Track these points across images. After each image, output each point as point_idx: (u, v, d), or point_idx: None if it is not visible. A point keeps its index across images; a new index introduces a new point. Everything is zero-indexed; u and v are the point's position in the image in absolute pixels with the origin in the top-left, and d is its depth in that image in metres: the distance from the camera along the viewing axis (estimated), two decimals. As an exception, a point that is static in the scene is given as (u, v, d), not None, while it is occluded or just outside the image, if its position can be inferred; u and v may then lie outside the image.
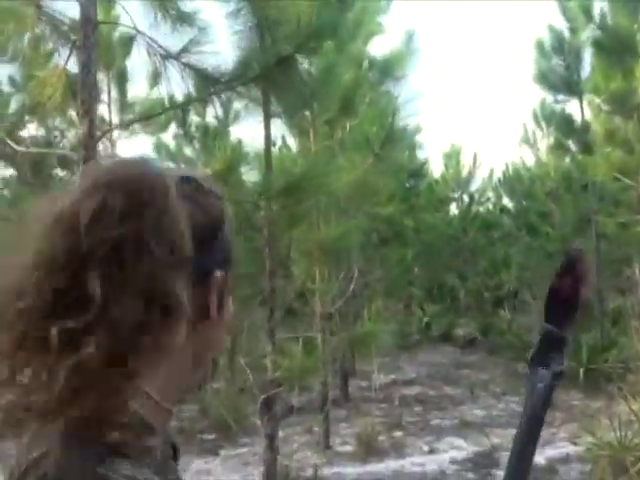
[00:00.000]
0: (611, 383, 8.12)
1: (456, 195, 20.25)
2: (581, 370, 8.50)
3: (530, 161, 17.67)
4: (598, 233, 10.73)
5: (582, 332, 9.83)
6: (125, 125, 9.03)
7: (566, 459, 5.71)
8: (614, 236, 10.57)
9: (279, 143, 9.32)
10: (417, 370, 11.19)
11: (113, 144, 9.12)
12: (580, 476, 5.24)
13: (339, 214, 5.82)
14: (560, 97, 10.92)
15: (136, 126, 9.22)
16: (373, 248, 17.39)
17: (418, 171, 18.40)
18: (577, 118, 11.29)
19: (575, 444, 6.13)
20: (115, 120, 9.08)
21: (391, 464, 5.96)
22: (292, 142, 7.99)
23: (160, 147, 9.39)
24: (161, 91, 5.53)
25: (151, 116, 8.40)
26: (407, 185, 17.49)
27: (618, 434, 5.11)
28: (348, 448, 6.38)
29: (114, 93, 8.92)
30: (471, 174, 20.24)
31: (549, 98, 12.01)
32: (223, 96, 5.20)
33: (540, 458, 5.70)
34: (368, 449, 6.18)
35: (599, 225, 10.19)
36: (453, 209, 20.63)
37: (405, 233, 16.67)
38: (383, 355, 12.28)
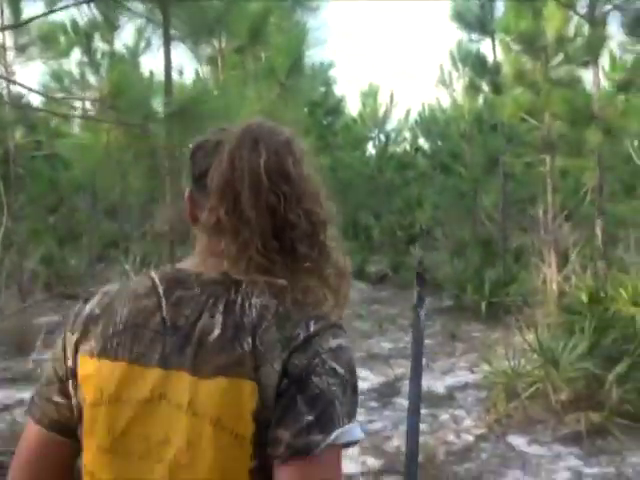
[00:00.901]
0: (510, 315, 8.54)
1: (373, 134, 20.32)
2: (483, 303, 8.89)
3: (446, 102, 17.80)
4: (505, 173, 11.06)
5: (486, 268, 10.24)
6: (20, 49, 8.42)
7: (464, 387, 5.97)
8: (520, 176, 10.93)
9: (191, 75, 8.97)
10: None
11: (8, 68, 8.51)
12: (476, 402, 5.50)
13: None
14: (474, 36, 11.00)
15: (33, 50, 8.62)
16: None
17: (335, 108, 18.27)
18: (490, 58, 11.45)
19: (473, 372, 6.42)
20: (9, 43, 8.47)
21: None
22: (203, 72, 7.66)
23: (60, 74, 8.82)
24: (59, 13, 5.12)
25: (48, 40, 7.86)
26: (324, 122, 17.38)
27: (512, 363, 5.38)
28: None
29: (7, 13, 8.27)
30: (388, 114, 20.31)
31: (465, 37, 12.08)
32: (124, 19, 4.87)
33: (440, 386, 5.96)
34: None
35: (506, 165, 10.49)
36: (370, 148, 20.74)
37: (321, 171, 16.59)
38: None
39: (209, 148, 1.03)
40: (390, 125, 20.13)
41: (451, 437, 4.70)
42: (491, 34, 10.54)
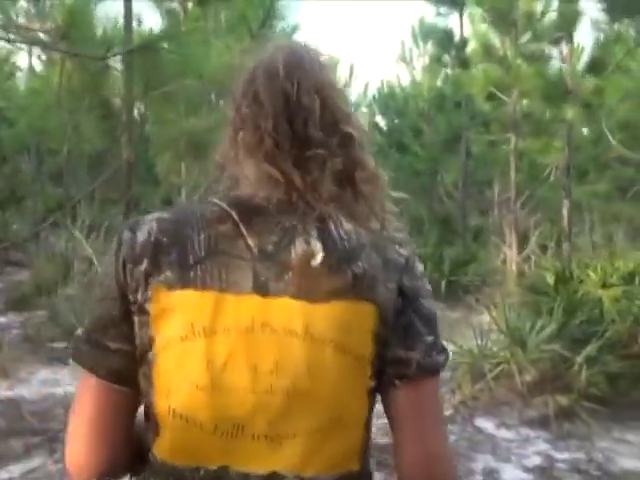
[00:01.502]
0: (469, 295, 8.46)
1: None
2: (443, 282, 8.78)
3: (405, 80, 17.62)
4: (468, 152, 10.96)
5: (444, 246, 10.14)
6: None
7: (427, 366, 5.81)
8: (481, 155, 10.84)
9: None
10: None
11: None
12: (440, 383, 5.35)
13: (210, 106, 5.30)
14: (443, 10, 10.77)
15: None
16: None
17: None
18: (456, 33, 11.25)
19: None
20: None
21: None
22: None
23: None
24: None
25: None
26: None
27: (478, 342, 5.24)
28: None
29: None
30: (347, 87, 19.96)
31: (431, 11, 11.87)
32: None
33: (402, 365, 5.79)
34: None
35: (469, 143, 10.37)
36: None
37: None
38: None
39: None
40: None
41: (417, 419, 4.53)
42: (460, 7, 10.33)
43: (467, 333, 5.88)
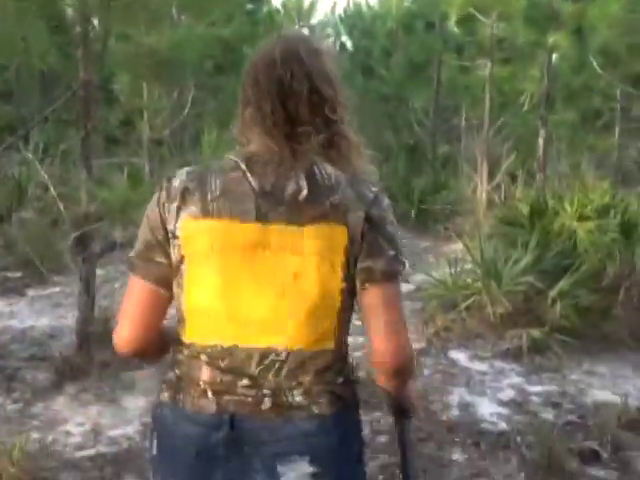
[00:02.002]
0: (439, 224, 8.39)
1: (296, 27, 19.15)
2: (412, 211, 8.66)
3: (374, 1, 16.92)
4: (439, 77, 10.63)
5: (413, 175, 9.97)
6: None
7: (398, 297, 5.74)
8: (452, 81, 10.54)
9: None
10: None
11: None
12: (412, 314, 5.28)
13: (172, 22, 4.90)
14: None
15: None
16: (208, 76, 16.16)
17: (258, -5, 16.96)
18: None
19: (407, 282, 6.20)
20: None
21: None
22: None
23: None
24: None
25: None
26: (247, 9, 16.11)
27: (451, 272, 5.16)
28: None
29: None
30: (314, 5, 19.14)
31: None
32: None
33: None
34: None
35: (442, 67, 10.05)
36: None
37: (243, 63, 15.54)
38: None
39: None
40: (315, 18, 19.08)
41: (391, 352, 4.46)
42: None
43: (437, 262, 5.81)
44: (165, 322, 1.29)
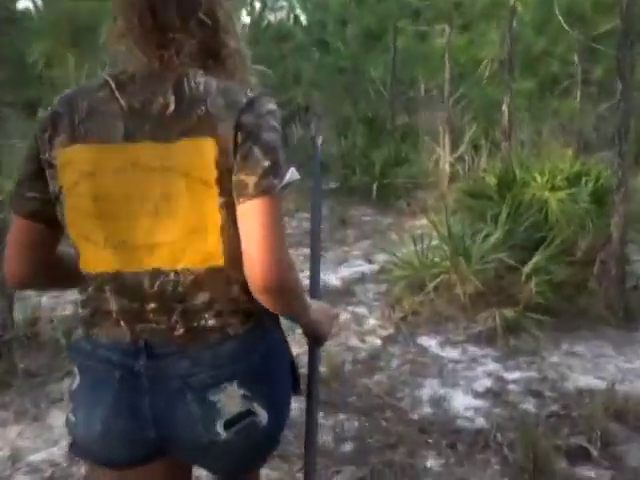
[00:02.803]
0: (401, 199, 8.02)
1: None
2: (374, 186, 8.26)
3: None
4: (395, 46, 10.20)
5: (373, 148, 9.55)
6: None
7: (362, 279, 5.38)
8: (409, 49, 10.13)
9: None
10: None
11: None
12: (377, 297, 4.93)
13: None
14: None
15: None
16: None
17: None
18: None
19: (370, 262, 5.83)
20: None
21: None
22: None
23: None
24: None
25: None
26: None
27: (417, 251, 4.80)
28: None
29: None
30: (265, -23, 18.43)
31: None
32: None
33: (335, 279, 5.32)
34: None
35: (398, 35, 9.61)
36: (243, 16, 18.93)
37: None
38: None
39: None
40: (267, -10, 18.36)
41: (355, 341, 4.09)
42: None
43: (401, 240, 5.44)
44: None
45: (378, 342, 4.09)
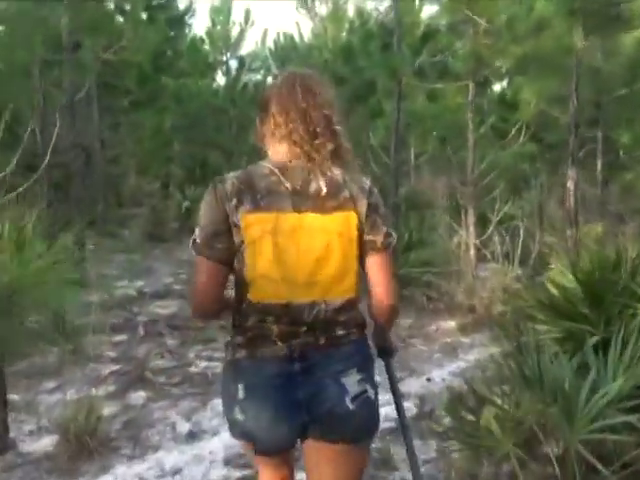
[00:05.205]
0: (418, 290, 6.50)
1: (224, 59, 17.26)
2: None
3: (307, 30, 15.46)
4: (399, 106, 8.85)
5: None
6: None
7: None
8: (416, 109, 8.79)
9: None
10: (173, 272, 8.71)
11: None
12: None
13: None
14: None
15: None
16: (122, 112, 14.01)
17: (179, 20, 15.02)
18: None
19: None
20: None
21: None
22: None
23: None
24: None
25: None
26: (167, 36, 14.14)
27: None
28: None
29: None
30: (242, 35, 17.35)
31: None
32: None
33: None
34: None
35: (406, 91, 8.27)
36: (220, 76, 17.74)
37: (162, 96, 13.52)
38: (126, 251, 9.59)
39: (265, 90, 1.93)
40: (244, 49, 17.33)
41: None
42: None
43: (430, 354, 3.82)
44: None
45: None
